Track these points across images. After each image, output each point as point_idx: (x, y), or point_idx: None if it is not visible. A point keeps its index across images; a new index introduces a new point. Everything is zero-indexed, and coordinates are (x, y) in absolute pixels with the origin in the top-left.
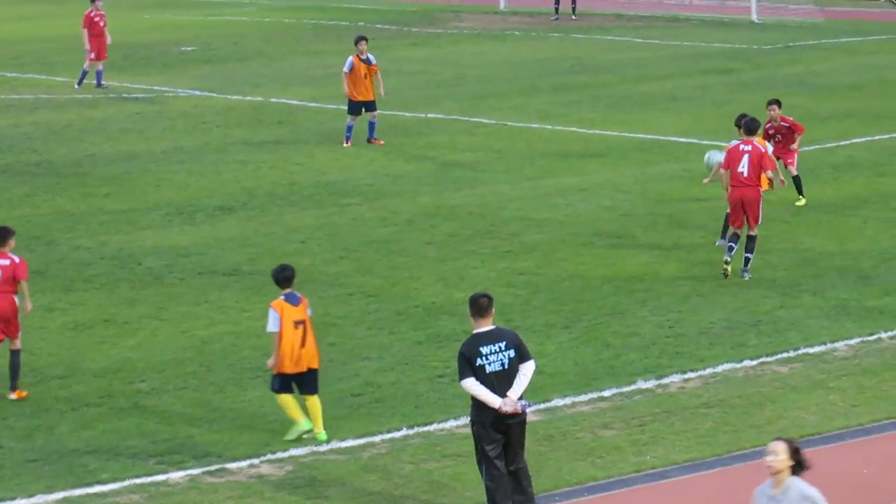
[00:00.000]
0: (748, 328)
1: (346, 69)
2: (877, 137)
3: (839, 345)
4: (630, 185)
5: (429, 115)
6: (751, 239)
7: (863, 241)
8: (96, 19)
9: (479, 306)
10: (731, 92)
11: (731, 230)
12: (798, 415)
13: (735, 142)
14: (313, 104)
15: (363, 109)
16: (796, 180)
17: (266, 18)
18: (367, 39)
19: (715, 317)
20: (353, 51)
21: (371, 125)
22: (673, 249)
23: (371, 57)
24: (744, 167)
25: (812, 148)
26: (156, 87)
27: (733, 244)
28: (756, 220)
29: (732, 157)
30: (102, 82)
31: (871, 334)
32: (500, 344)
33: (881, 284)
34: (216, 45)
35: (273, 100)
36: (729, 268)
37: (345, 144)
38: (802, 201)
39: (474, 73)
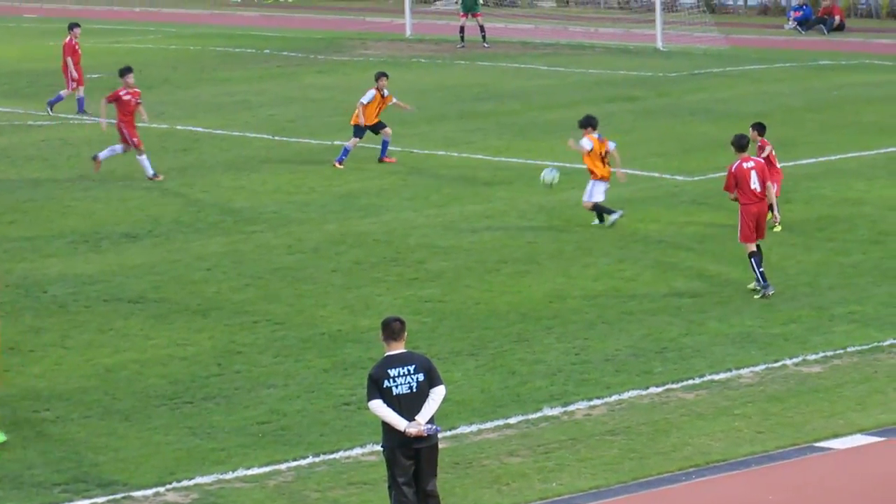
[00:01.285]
0: (654, 355)
1: (365, 101)
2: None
3: (744, 371)
4: (535, 213)
5: (335, 143)
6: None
7: (768, 268)
8: (76, 46)
9: (392, 330)
10: (637, 119)
11: (749, 249)
12: (704, 441)
13: (737, 161)
14: (219, 131)
15: (369, 131)
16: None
17: (171, 45)
18: (387, 76)
19: (621, 344)
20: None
21: (384, 144)
22: (579, 277)
23: (386, 91)
24: (755, 183)
25: (716, 175)
26: (61, 115)
27: (763, 269)
28: (763, 233)
29: (740, 176)
30: (85, 108)
31: (775, 361)
32: (410, 367)
33: (786, 311)
34: None
35: (179, 127)
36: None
37: (337, 165)
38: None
39: None
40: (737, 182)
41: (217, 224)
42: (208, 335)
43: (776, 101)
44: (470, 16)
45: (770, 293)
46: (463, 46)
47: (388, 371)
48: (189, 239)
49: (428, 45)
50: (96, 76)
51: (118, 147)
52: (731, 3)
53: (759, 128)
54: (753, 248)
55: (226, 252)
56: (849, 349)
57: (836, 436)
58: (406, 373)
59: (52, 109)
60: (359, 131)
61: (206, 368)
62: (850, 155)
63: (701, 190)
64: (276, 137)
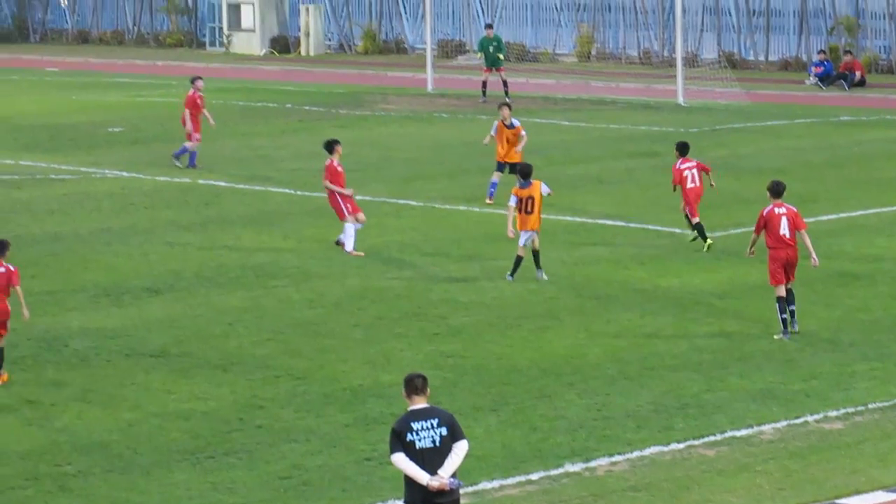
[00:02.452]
0: (675, 411)
1: (492, 132)
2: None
3: (766, 428)
4: (557, 268)
5: (356, 198)
6: (790, 292)
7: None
8: (199, 100)
9: (414, 386)
10: (657, 175)
11: (777, 293)
12: (725, 498)
13: (769, 206)
14: (241, 186)
15: (508, 170)
16: (699, 227)
17: None
18: (509, 106)
19: (642, 399)
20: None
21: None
22: (600, 332)
23: (515, 121)
24: (784, 229)
25: (738, 231)
26: (82, 168)
27: (786, 316)
28: (793, 276)
29: (771, 221)
30: (196, 163)
31: (797, 417)
32: (433, 421)
33: (807, 367)
34: (143, 126)
35: (200, 181)
36: (797, 327)
37: (488, 200)
38: (706, 246)
39: (402, 156)
40: (766, 226)
41: (239, 278)
42: (230, 389)
43: (797, 156)
44: (494, 70)
45: (781, 337)
46: (485, 101)
47: (412, 425)
48: (211, 293)
49: (449, 100)
50: (118, 129)
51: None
52: (751, 58)
53: (681, 147)
54: (782, 292)
55: (247, 306)
56: (870, 406)
57: (857, 493)
58: (429, 427)
59: (178, 161)
60: (498, 166)
61: (227, 423)
62: (871, 211)
63: (722, 245)
64: (298, 192)
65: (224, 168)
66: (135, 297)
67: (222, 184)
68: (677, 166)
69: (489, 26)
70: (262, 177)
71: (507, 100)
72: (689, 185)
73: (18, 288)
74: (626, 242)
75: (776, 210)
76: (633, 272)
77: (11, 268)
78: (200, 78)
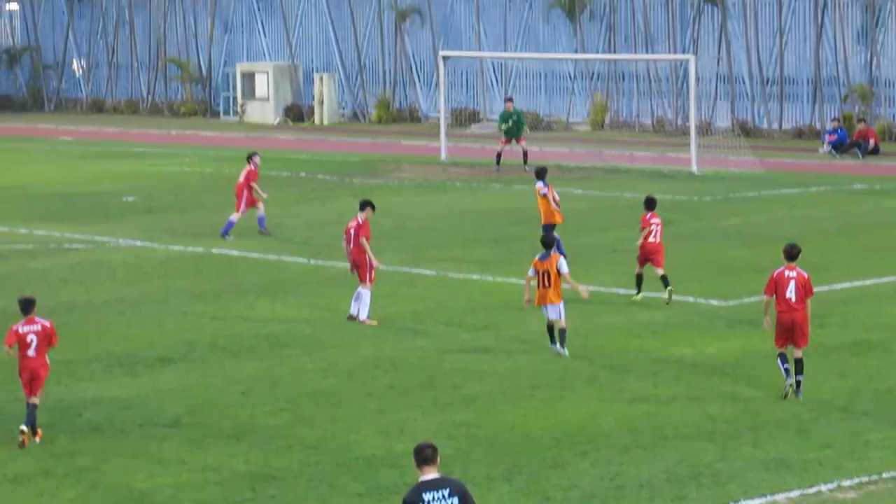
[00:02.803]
0: (688, 480)
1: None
2: (815, 289)
3: (779, 497)
4: (570, 337)
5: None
6: (799, 362)
7: (803, 392)
8: (255, 175)
9: (424, 456)
10: (671, 243)
11: (778, 352)
12: None
13: (780, 268)
14: (254, 255)
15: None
16: (664, 279)
17: (207, 169)
18: (545, 170)
19: (655, 469)
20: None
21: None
22: (613, 401)
23: (538, 184)
24: (791, 292)
25: (752, 300)
26: (96, 238)
27: (788, 366)
28: (805, 342)
29: (779, 283)
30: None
31: (810, 486)
32: (444, 491)
33: (820, 436)
34: (157, 196)
35: (214, 250)
36: (799, 396)
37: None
38: (667, 296)
39: (415, 224)
40: (776, 288)
41: (252, 348)
42: (243, 459)
43: (811, 224)
44: (514, 141)
45: (787, 384)
46: (498, 170)
47: (423, 495)
48: (224, 362)
49: (463, 169)
50: (132, 199)
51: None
52: (765, 126)
53: (649, 203)
54: (783, 351)
55: (261, 376)
56: (884, 475)
57: None
58: (441, 497)
59: (227, 235)
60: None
61: (240, 493)
62: (885, 279)
63: (735, 314)
64: (312, 261)
65: (237, 237)
66: (148, 367)
67: (235, 253)
68: (647, 217)
69: (509, 100)
70: (276, 246)
71: (526, 168)
72: (651, 239)
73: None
74: (640, 311)
75: (786, 273)
76: (647, 341)
77: (47, 324)
78: (257, 154)
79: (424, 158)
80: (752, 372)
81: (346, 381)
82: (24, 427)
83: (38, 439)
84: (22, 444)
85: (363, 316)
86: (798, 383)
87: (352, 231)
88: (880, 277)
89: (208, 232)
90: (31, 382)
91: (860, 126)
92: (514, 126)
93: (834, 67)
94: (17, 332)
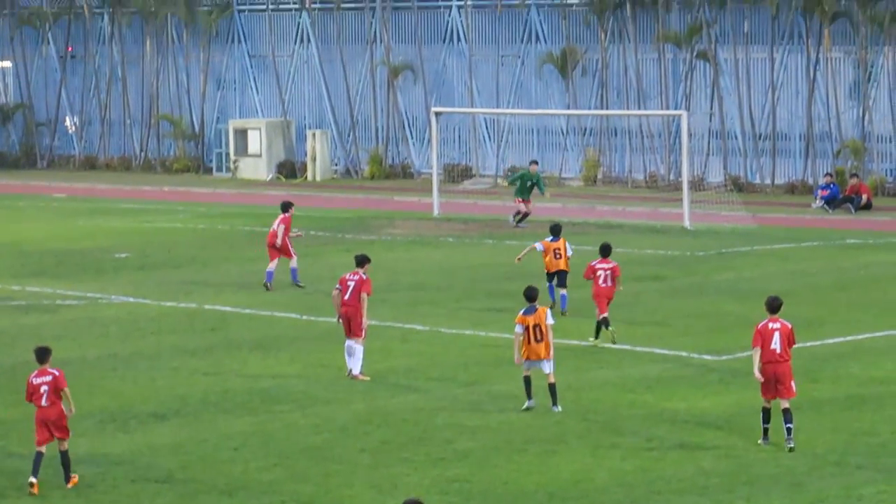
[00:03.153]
0: None
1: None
2: (808, 344)
3: None
4: (563, 392)
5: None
6: (787, 411)
7: (796, 447)
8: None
9: None
10: (664, 298)
11: (763, 405)
12: None
13: (764, 321)
14: (247, 310)
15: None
16: (604, 321)
17: (200, 225)
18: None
19: None
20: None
21: (562, 298)
22: (606, 456)
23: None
24: (776, 343)
25: (744, 354)
26: (89, 294)
27: (768, 426)
28: (790, 392)
29: (763, 335)
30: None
31: None
32: None
33: (814, 491)
34: (150, 252)
35: (206, 306)
36: (791, 444)
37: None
38: (592, 341)
39: (408, 280)
40: (761, 340)
41: (245, 403)
42: None
43: (804, 279)
44: (525, 201)
45: (761, 443)
46: (518, 226)
47: None
48: (216, 418)
49: (455, 225)
50: (125, 255)
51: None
52: (758, 181)
53: (603, 249)
54: (767, 405)
55: (253, 431)
56: None
57: None
58: None
59: (298, 280)
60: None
61: None
62: (878, 334)
63: (729, 369)
64: (304, 317)
65: (230, 293)
66: (141, 423)
67: (228, 309)
68: (593, 264)
69: (534, 162)
70: (268, 301)
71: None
72: (601, 283)
73: (67, 390)
74: (633, 366)
75: (770, 325)
76: (640, 396)
77: (57, 373)
78: (293, 204)
79: (417, 214)
80: (745, 426)
81: (339, 437)
82: (32, 479)
83: (70, 485)
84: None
85: (356, 370)
86: (789, 430)
87: (350, 284)
88: (874, 332)
89: (201, 288)
90: (54, 432)
91: (853, 181)
92: (529, 188)
93: (826, 123)
94: (31, 383)
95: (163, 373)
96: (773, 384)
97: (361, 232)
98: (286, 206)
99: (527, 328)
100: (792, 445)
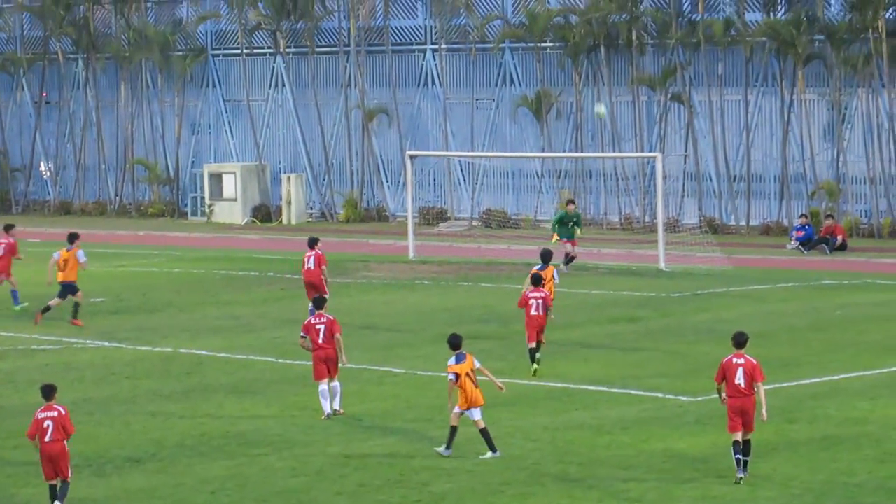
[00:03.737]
0: None
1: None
2: (785, 384)
3: None
4: (539, 434)
5: (340, 364)
6: (747, 443)
7: (772, 488)
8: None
9: None
10: (640, 339)
11: (733, 439)
12: None
13: (729, 356)
14: (222, 354)
15: None
16: (531, 353)
17: (175, 269)
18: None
19: None
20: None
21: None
22: (583, 498)
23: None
24: (739, 379)
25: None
26: (64, 339)
27: (739, 455)
28: (752, 426)
29: (728, 370)
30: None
31: None
32: None
33: None
34: (125, 296)
35: (182, 350)
36: (743, 476)
37: None
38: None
39: (384, 323)
40: (724, 376)
41: (221, 447)
42: None
43: (779, 320)
44: (567, 241)
45: (740, 477)
46: (566, 270)
47: None
48: (193, 462)
49: (431, 267)
50: (100, 300)
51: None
52: (733, 223)
53: (536, 279)
54: (737, 438)
55: (230, 475)
56: None
57: None
58: None
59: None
60: None
61: None
62: (854, 374)
63: (705, 410)
64: (280, 360)
65: (206, 337)
66: (117, 468)
67: (204, 353)
68: (527, 293)
69: (571, 202)
70: (244, 345)
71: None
72: (533, 312)
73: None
74: (610, 407)
75: (734, 360)
76: (617, 437)
77: (63, 410)
78: (318, 239)
79: (393, 257)
80: (722, 467)
81: (316, 480)
82: None
83: None
84: None
85: (339, 406)
86: (745, 463)
87: (320, 328)
88: (849, 373)
89: (176, 332)
90: (56, 467)
91: (828, 222)
92: (572, 228)
93: (801, 164)
94: (36, 418)
95: (138, 417)
96: (738, 418)
97: (337, 275)
98: (314, 242)
99: (460, 376)
100: (744, 476)
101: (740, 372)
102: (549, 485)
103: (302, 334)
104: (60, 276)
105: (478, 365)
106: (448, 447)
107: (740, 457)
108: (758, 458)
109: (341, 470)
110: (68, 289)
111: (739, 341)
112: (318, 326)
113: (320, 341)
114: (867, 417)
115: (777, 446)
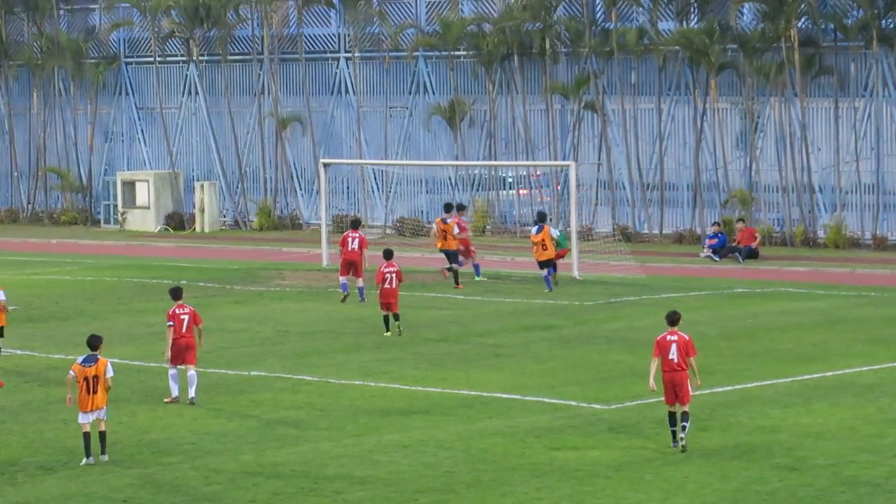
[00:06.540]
0: None
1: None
2: (697, 393)
3: None
4: (453, 442)
5: (251, 373)
6: (685, 414)
7: (685, 496)
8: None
9: None
10: (553, 348)
11: (669, 410)
12: None
13: (663, 333)
14: (135, 362)
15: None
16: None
17: (88, 277)
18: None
19: None
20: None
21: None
22: None
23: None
24: (673, 354)
25: (633, 403)
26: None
27: (674, 428)
28: (687, 398)
29: (662, 347)
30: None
31: None
32: None
33: None
34: (37, 304)
35: None
36: (683, 442)
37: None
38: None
39: (297, 331)
40: (660, 352)
41: (133, 455)
42: None
43: (692, 329)
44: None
45: (677, 446)
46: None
47: None
48: (105, 470)
49: None
50: (12, 308)
51: None
52: (646, 231)
53: (385, 254)
54: (673, 409)
55: (142, 483)
56: None
57: None
58: None
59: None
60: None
61: None
62: (766, 382)
63: (618, 418)
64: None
65: (118, 345)
66: (29, 476)
67: (117, 360)
68: (382, 269)
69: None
70: (157, 353)
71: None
72: (386, 286)
73: None
74: (523, 415)
75: (668, 337)
76: (530, 445)
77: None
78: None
79: (306, 265)
80: (634, 475)
81: (229, 488)
82: None
83: None
84: None
85: (194, 395)
86: (683, 427)
87: (184, 318)
88: (762, 381)
89: None
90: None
91: (739, 225)
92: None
93: (714, 173)
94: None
95: (51, 425)
96: (673, 391)
97: (250, 283)
98: (357, 223)
99: (86, 379)
100: (684, 444)
101: (674, 347)
102: (463, 492)
103: (169, 322)
104: None
105: (110, 374)
106: (89, 456)
107: (675, 430)
108: (670, 466)
109: (254, 478)
110: None
111: (673, 319)
112: (182, 316)
113: (183, 330)
114: (779, 426)
115: (690, 454)
